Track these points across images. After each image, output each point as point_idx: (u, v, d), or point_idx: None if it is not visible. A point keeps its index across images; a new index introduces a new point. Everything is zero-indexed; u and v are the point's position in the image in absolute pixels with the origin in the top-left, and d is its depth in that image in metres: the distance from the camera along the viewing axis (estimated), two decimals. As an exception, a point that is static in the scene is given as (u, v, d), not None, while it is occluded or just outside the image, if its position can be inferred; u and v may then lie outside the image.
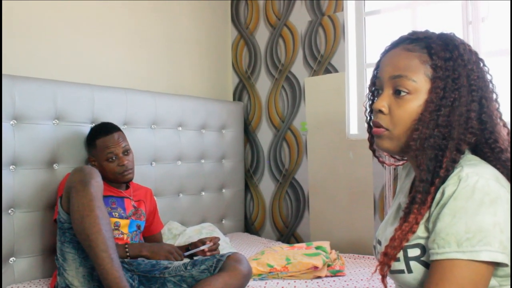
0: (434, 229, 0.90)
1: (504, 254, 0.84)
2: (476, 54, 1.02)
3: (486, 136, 0.98)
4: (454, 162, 0.94)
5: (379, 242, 1.13)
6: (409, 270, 0.95)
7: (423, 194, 0.95)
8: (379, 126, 1.02)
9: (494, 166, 0.96)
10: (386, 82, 1.02)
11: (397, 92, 1.00)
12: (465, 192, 0.87)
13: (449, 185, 0.90)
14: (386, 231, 1.11)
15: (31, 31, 2.31)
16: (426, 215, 0.94)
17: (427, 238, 0.93)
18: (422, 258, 0.94)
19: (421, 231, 0.94)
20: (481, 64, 1.01)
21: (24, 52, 2.27)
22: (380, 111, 1.01)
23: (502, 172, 0.95)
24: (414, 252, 0.95)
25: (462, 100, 0.95)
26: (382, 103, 1.01)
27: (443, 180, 0.93)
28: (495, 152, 0.97)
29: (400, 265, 0.97)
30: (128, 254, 1.95)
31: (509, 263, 0.86)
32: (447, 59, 0.97)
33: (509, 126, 1.02)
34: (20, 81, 2.06)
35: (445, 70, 0.96)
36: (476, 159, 0.98)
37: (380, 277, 1.01)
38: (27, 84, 2.09)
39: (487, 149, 0.98)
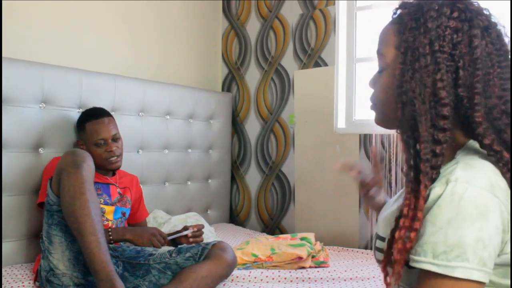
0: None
1: (481, 272, 0.78)
2: (454, 21, 0.88)
3: (468, 113, 0.87)
4: (436, 143, 0.85)
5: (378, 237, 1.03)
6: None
7: (408, 182, 0.89)
8: (370, 100, 1.02)
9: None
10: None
11: (378, 69, 0.98)
12: (450, 200, 0.79)
13: (436, 187, 0.83)
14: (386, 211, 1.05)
15: (19, 13, 2.28)
16: None
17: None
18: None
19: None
20: (466, 29, 0.87)
21: (12, 33, 2.24)
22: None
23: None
24: None
25: (424, 71, 0.86)
26: (370, 79, 1.01)
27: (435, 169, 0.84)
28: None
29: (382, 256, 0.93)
30: (111, 238, 1.93)
31: (486, 281, 0.79)
32: (411, 28, 0.90)
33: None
34: (6, 63, 2.03)
35: (405, 41, 0.89)
36: (476, 154, 0.87)
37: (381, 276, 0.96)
38: (14, 66, 2.06)
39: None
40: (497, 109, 0.87)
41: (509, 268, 0.84)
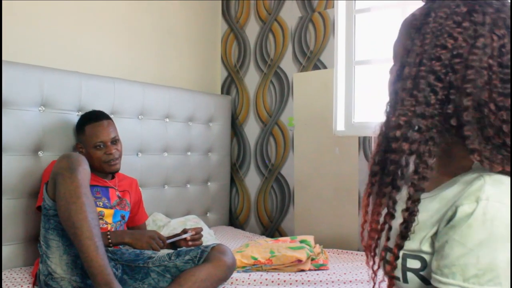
0: (440, 252, 0.79)
1: None
2: (465, 32, 0.80)
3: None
4: (407, 141, 0.82)
5: None
6: (405, 280, 0.86)
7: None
8: None
9: None
10: None
11: None
12: (483, 221, 0.74)
13: (464, 204, 0.76)
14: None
15: (18, 15, 2.28)
16: (434, 229, 0.83)
17: (432, 254, 0.83)
18: (421, 272, 0.84)
19: (425, 246, 0.84)
20: (468, 49, 0.80)
21: (11, 36, 2.24)
22: None
23: None
24: (413, 264, 0.85)
25: (407, 72, 0.83)
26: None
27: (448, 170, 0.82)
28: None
29: (396, 272, 0.88)
30: (110, 241, 1.93)
31: None
32: (411, 36, 0.85)
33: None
34: (6, 66, 2.03)
35: (403, 48, 0.86)
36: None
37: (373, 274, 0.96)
38: (13, 69, 2.06)
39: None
40: (496, 139, 0.80)
41: None
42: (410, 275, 0.85)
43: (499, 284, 0.72)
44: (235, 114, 3.31)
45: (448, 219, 0.78)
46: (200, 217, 2.87)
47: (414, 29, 0.85)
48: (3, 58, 2.08)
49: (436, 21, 0.82)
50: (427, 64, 0.81)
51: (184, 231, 2.07)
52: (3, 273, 1.97)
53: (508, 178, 0.78)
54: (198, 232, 2.05)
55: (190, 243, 2.01)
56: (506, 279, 0.73)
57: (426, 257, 0.83)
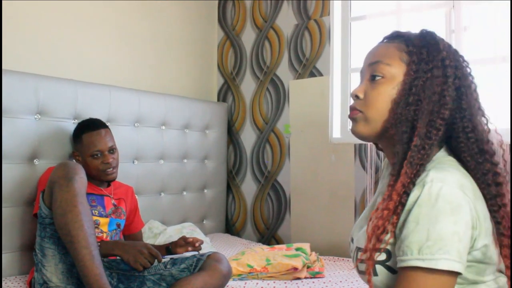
0: (400, 236, 0.91)
1: (460, 263, 0.86)
2: (453, 49, 1.05)
3: (464, 124, 0.99)
4: (428, 138, 0.95)
5: (352, 240, 1.13)
6: (375, 273, 0.97)
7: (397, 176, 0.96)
8: (353, 109, 1.06)
9: (465, 158, 0.98)
10: (366, 70, 1.07)
11: (372, 77, 1.04)
12: (428, 198, 0.87)
13: (414, 190, 0.91)
14: (360, 230, 1.10)
15: (14, 23, 2.28)
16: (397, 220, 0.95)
17: (395, 244, 0.94)
18: (387, 263, 0.95)
19: (388, 237, 0.95)
20: (460, 59, 1.04)
21: (7, 44, 2.24)
22: (357, 97, 1.05)
23: (470, 168, 0.97)
24: (380, 256, 0.96)
25: (435, 80, 0.98)
26: (359, 89, 1.05)
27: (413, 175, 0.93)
28: (470, 142, 0.98)
29: (366, 266, 0.97)
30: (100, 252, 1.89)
31: (463, 272, 0.87)
32: (422, 46, 1.01)
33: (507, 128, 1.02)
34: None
35: (419, 54, 1.00)
36: (446, 161, 0.97)
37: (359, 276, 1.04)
38: (9, 77, 2.06)
39: (462, 138, 0.99)
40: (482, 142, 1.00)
41: (481, 265, 0.92)
42: (378, 267, 0.96)
43: (447, 252, 0.85)
44: (231, 121, 3.31)
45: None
46: (196, 224, 2.87)
47: (421, 46, 1.02)
48: (-1, 66, 2.08)
49: (441, 41, 1.03)
50: (448, 64, 1.00)
51: (183, 238, 2.03)
52: (-2, 281, 1.97)
53: (451, 167, 0.93)
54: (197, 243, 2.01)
55: (188, 254, 1.99)
56: (452, 248, 0.85)
57: (390, 247, 0.95)
